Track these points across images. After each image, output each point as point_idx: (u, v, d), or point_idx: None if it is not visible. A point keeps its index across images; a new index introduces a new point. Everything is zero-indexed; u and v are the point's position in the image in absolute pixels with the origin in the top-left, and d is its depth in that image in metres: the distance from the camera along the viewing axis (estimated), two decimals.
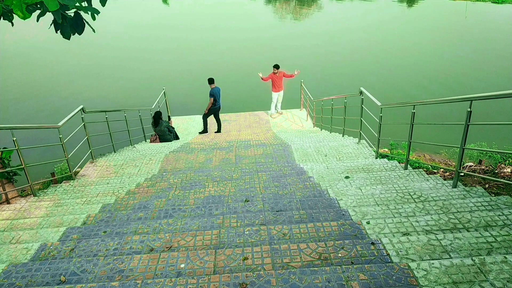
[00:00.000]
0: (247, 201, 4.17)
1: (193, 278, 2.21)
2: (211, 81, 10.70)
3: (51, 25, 5.21)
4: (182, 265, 2.53)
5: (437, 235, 2.71)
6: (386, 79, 15.47)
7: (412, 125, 5.13)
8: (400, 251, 2.56)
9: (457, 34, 20.78)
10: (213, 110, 11.02)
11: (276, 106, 12.39)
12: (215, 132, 11.32)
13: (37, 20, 4.96)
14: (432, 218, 3.14)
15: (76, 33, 5.34)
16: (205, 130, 11.36)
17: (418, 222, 3.08)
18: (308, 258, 2.53)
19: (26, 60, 19.67)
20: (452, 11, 26.14)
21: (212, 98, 10.72)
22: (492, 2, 27.98)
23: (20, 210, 4.52)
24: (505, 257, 2.26)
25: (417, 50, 19.09)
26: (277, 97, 12.09)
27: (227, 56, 19.66)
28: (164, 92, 12.61)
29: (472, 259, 2.25)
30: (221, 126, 11.43)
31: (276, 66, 11.51)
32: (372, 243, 2.66)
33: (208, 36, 22.75)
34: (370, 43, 20.67)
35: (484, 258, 2.26)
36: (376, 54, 18.79)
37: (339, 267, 2.26)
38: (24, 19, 4.43)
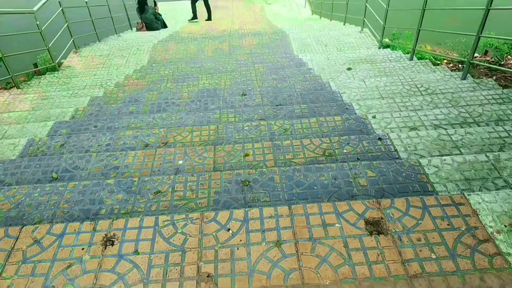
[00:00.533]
0: (244, 95, 3.93)
1: (193, 176, 2.09)
2: None
3: None
4: (180, 162, 2.40)
5: (447, 130, 2.57)
6: None
7: (424, 10, 4.66)
8: (408, 146, 2.43)
9: None
10: None
11: None
12: (206, 20, 10.49)
13: None
14: (441, 112, 2.97)
15: None
16: (194, 17, 10.50)
17: (426, 116, 2.92)
18: (311, 155, 2.40)
19: None
20: None
21: None
22: None
23: (4, 104, 4.27)
24: None
25: None
26: None
27: None
28: None
29: (485, 155, 2.14)
30: (211, 13, 10.52)
31: None
32: (379, 138, 2.52)
33: None
34: None
35: (498, 154, 2.14)
36: None
37: (345, 163, 2.14)
38: None
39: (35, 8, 5.44)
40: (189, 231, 1.61)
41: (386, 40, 6.91)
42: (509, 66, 4.92)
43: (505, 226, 1.56)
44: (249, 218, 1.65)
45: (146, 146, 2.74)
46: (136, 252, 1.53)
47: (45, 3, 5.76)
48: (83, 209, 1.93)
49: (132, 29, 9.79)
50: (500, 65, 4.94)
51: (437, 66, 4.68)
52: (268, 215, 1.65)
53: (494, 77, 4.33)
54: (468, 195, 1.70)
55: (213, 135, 2.81)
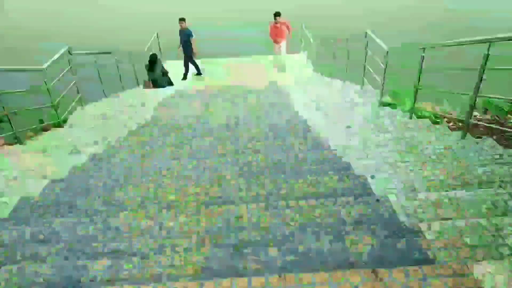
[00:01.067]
0: (244, 153, 3.93)
1: (179, 247, 2.01)
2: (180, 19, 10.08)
3: None
4: (171, 223, 2.32)
5: (447, 192, 2.50)
6: (392, 23, 14.73)
7: (421, 70, 4.78)
8: (407, 209, 2.36)
9: None
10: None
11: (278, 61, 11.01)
12: (195, 75, 10.95)
13: None
14: (441, 172, 2.92)
15: None
16: (199, 73, 10.93)
17: (426, 176, 2.87)
18: (308, 216, 2.33)
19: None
20: None
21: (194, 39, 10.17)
22: None
23: (3, 161, 4.29)
24: None
25: None
26: (278, 47, 10.66)
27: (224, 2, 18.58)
28: (157, 35, 11.95)
29: (488, 220, 2.05)
30: (199, 68, 10.96)
31: (277, 14, 9.90)
32: (377, 200, 2.45)
33: None
34: None
35: (502, 218, 2.06)
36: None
37: (341, 224, 2.06)
38: None
39: (44, 66, 5.67)
40: None
41: (388, 98, 7.05)
42: (511, 125, 4.94)
43: None
44: None
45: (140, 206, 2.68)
46: None
47: (54, 60, 6.00)
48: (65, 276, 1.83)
49: (139, 86, 10.10)
50: (500, 124, 4.96)
51: (437, 125, 4.69)
52: (257, 285, 1.55)
53: (494, 136, 4.31)
54: (472, 265, 1.60)
55: (213, 192, 2.75)
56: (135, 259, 1.90)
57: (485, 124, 4.54)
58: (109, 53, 8.64)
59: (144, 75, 10.24)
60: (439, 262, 1.80)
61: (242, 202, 2.60)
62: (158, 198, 2.78)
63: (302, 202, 2.46)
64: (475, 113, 6.55)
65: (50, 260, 1.94)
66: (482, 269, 1.58)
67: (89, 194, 2.87)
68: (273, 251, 1.90)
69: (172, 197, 2.77)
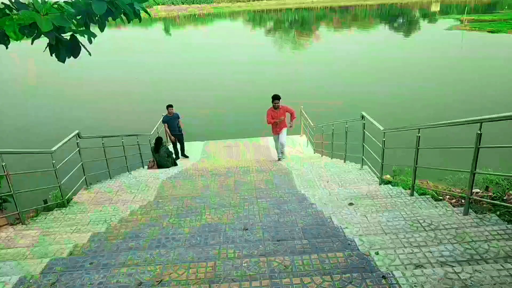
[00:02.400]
0: (246, 229, 3.92)
1: None
2: (168, 106, 10.89)
3: (46, 47, 5.12)
4: None
5: (454, 268, 2.46)
6: (387, 105, 15.45)
7: (418, 149, 4.94)
8: (415, 285, 2.30)
9: (454, 61, 20.98)
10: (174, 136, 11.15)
11: (278, 149, 9.72)
12: (182, 156, 11.57)
13: (32, 43, 4.85)
14: (446, 248, 2.89)
15: (71, 56, 5.23)
16: (177, 158, 11.47)
17: (431, 252, 2.83)
18: None
19: (24, 88, 19.75)
20: (448, 40, 26.51)
21: (165, 125, 10.96)
22: (488, 31, 28.45)
23: (5, 239, 4.26)
24: None
25: (416, 76, 19.19)
26: (277, 139, 9.38)
27: (226, 85, 19.76)
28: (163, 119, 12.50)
29: None
30: (184, 150, 11.66)
31: (276, 97, 8.72)
32: (383, 277, 2.40)
33: (206, 66, 22.95)
34: (369, 69, 20.82)
35: None
36: (375, 81, 18.88)
37: None
38: (17, 40, 4.31)
39: (53, 148, 5.89)
40: None
41: (388, 176, 7.15)
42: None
43: None
44: None
45: (140, 285, 2.62)
46: None
47: (64, 144, 6.24)
48: None
49: (144, 167, 10.30)
50: (502, 200, 4.97)
51: (439, 202, 4.71)
52: None
53: (498, 212, 4.30)
54: None
55: (210, 272, 2.71)
56: None
57: (487, 200, 4.56)
58: (117, 136, 9.00)
59: (149, 155, 10.53)
60: None
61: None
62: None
63: (307, 279, 2.41)
64: (476, 190, 6.59)
65: None
66: None
67: (88, 273, 2.82)
68: None
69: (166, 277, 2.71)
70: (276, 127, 9.19)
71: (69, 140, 6.45)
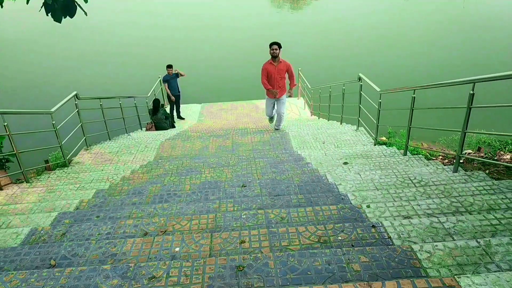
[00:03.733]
0: (244, 186, 4.08)
1: (188, 261, 2.12)
2: (168, 66, 10.94)
3: (41, 7, 5.04)
4: (177, 249, 2.44)
5: (439, 218, 2.64)
6: (385, 65, 15.36)
7: (412, 110, 5.04)
8: (401, 234, 2.48)
9: (455, 22, 20.61)
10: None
11: (272, 118, 8.21)
12: (178, 118, 11.68)
13: (27, 2, 4.78)
14: (433, 201, 3.06)
15: (67, 16, 5.17)
16: (178, 116, 11.74)
17: (419, 205, 3.01)
18: (307, 241, 2.45)
19: (22, 48, 19.36)
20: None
21: (166, 84, 11.08)
22: None
23: (12, 196, 4.42)
24: (511, 239, 2.18)
25: (415, 37, 18.93)
26: (273, 105, 7.75)
27: (224, 46, 19.43)
28: (160, 81, 12.44)
29: (477, 241, 2.18)
30: (179, 111, 11.82)
31: (277, 44, 6.93)
32: (373, 226, 2.58)
33: (205, 27, 22.43)
34: (368, 30, 20.47)
35: (489, 240, 2.19)
36: (374, 42, 18.63)
37: (339, 249, 2.18)
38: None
39: (53, 109, 5.94)
40: None
41: (383, 138, 7.30)
42: (502, 160, 5.11)
43: None
44: None
45: (145, 235, 2.79)
46: None
47: (62, 105, 6.28)
48: None
49: (142, 129, 10.39)
50: (493, 160, 5.14)
51: (430, 161, 4.87)
52: None
53: (487, 171, 4.47)
54: (458, 278, 1.72)
55: (211, 223, 2.88)
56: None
57: (476, 158, 4.72)
58: (114, 97, 9.01)
59: (146, 118, 10.60)
60: (430, 276, 1.91)
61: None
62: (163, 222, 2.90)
63: (302, 228, 2.58)
64: (469, 150, 6.77)
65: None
66: (468, 281, 1.70)
67: (96, 224, 2.99)
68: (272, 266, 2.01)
69: (177, 225, 2.88)
70: (274, 87, 7.27)
71: (67, 101, 6.48)
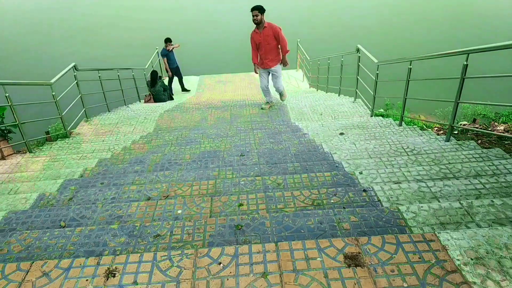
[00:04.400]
0: (243, 155, 4.21)
1: (190, 221, 2.28)
2: (166, 40, 10.73)
3: None
4: (179, 211, 2.59)
5: (427, 183, 2.78)
6: (383, 37, 15.24)
7: (408, 81, 5.11)
8: (391, 197, 2.63)
9: None
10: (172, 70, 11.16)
11: (268, 94, 7.47)
12: (182, 92, 11.67)
13: None
14: (423, 168, 3.20)
15: None
16: (183, 89, 11.73)
17: (409, 172, 3.15)
18: (301, 204, 2.60)
19: (18, 19, 19.05)
20: None
21: (165, 58, 10.87)
22: None
23: (17, 165, 4.55)
24: (492, 201, 2.34)
25: (413, 10, 18.66)
26: (267, 78, 7.17)
27: (222, 18, 19.13)
28: (158, 52, 12.36)
29: (460, 203, 2.33)
30: (183, 84, 11.72)
31: (255, 8, 6.24)
32: (364, 190, 2.73)
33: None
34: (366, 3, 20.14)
35: (471, 201, 2.33)
36: (372, 13, 18.37)
37: (331, 210, 2.33)
38: None
39: (52, 81, 5.99)
40: (184, 265, 1.77)
41: (381, 110, 7.38)
42: (496, 131, 5.24)
43: (471, 259, 1.71)
44: (239, 253, 1.81)
45: (149, 199, 2.94)
46: (135, 282, 1.68)
47: (62, 76, 6.32)
48: (88, 250, 2.09)
49: (140, 101, 10.44)
50: (487, 130, 5.26)
51: (424, 131, 4.99)
52: (256, 251, 1.82)
53: (480, 141, 4.60)
54: (438, 233, 1.88)
55: (211, 189, 3.03)
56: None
57: (469, 128, 4.85)
58: (112, 69, 9.02)
59: (144, 90, 10.62)
60: (413, 233, 2.07)
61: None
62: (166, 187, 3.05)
63: (297, 192, 2.73)
64: (464, 122, 6.88)
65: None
66: (447, 236, 1.85)
67: (100, 190, 3.13)
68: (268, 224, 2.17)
69: (179, 191, 3.03)
70: (265, 59, 6.68)
71: (66, 72, 6.51)
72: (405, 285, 1.60)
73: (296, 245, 1.84)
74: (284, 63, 6.92)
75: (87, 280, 1.71)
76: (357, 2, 20.02)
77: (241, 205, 2.63)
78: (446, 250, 1.77)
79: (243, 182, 3.12)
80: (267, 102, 7.59)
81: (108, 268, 1.76)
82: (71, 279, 1.72)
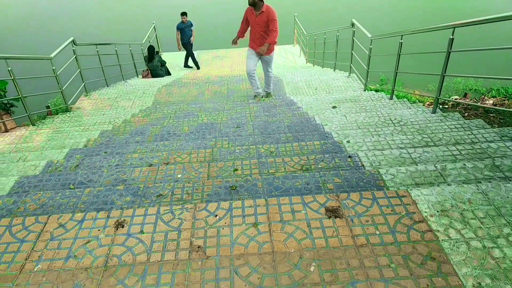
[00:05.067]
0: (238, 127, 4.41)
1: (189, 183, 2.50)
2: (182, 14, 10.59)
3: None
4: (179, 175, 2.82)
5: (408, 150, 3.01)
6: (378, 13, 15.19)
7: (399, 55, 5.27)
8: (373, 162, 2.86)
9: None
10: (184, 45, 10.98)
11: (253, 79, 6.16)
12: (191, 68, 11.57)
13: None
14: (407, 137, 3.42)
15: None
16: (185, 65, 11.46)
17: (394, 140, 3.37)
18: (291, 169, 2.83)
19: None
20: None
21: (178, 32, 10.70)
22: None
23: (22, 137, 4.75)
24: (464, 164, 2.56)
25: None
26: (256, 61, 5.97)
27: None
28: (154, 27, 12.34)
29: (435, 166, 2.56)
30: (198, 62, 11.46)
31: None
32: (349, 156, 2.95)
33: None
34: None
35: (445, 165, 2.56)
36: None
37: (317, 173, 2.56)
38: None
39: (52, 55, 6.10)
40: (184, 217, 2.00)
41: (376, 86, 7.55)
42: (485, 105, 5.44)
43: (437, 211, 1.95)
44: (233, 207, 2.05)
45: (150, 165, 3.16)
46: (141, 231, 1.92)
47: (61, 50, 6.43)
48: (97, 208, 2.32)
49: (138, 76, 10.53)
50: (475, 103, 5.46)
51: (413, 104, 5.19)
52: (248, 205, 2.05)
53: (466, 114, 4.81)
54: (410, 190, 2.11)
55: (209, 157, 3.25)
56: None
57: (453, 100, 5.04)
58: (110, 44, 9.08)
59: (142, 65, 10.69)
60: (388, 190, 2.30)
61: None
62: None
63: (287, 159, 2.96)
64: (455, 96, 7.07)
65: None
66: (418, 192, 2.08)
67: (105, 158, 3.35)
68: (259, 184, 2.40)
69: (181, 157, 3.25)
70: (254, 42, 5.80)
71: (65, 47, 6.61)
72: (377, 232, 1.84)
73: (284, 200, 2.07)
74: (260, 51, 5.62)
75: (98, 230, 1.95)
76: None
77: (236, 170, 2.86)
78: (416, 204, 2.00)
79: (238, 151, 3.34)
80: (255, 95, 6.43)
81: (117, 220, 1.99)
82: (85, 229, 1.96)
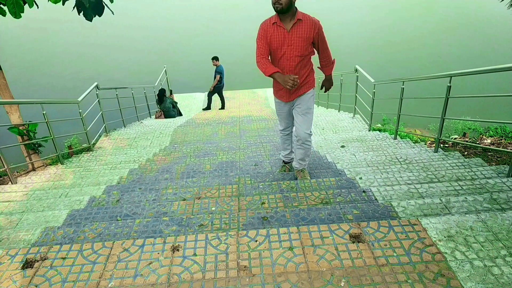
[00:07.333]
0: (256, 165, 4.81)
1: (225, 214, 2.86)
2: (216, 58, 11.09)
3: (74, 8, 5.70)
4: (213, 208, 3.18)
5: (415, 185, 3.38)
6: (379, 60, 16.01)
7: (401, 99, 5.76)
8: (385, 196, 3.23)
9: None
10: (218, 88, 11.46)
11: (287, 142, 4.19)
12: (219, 109, 11.83)
13: (63, 4, 5.45)
14: (413, 174, 3.80)
15: (96, 15, 5.86)
16: (208, 107, 11.90)
17: (401, 177, 3.75)
18: (312, 202, 3.19)
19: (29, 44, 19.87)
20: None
21: (219, 76, 11.15)
22: None
23: (55, 175, 5.13)
24: (466, 198, 2.93)
25: (407, 34, 19.53)
26: (287, 112, 3.79)
27: (223, 36, 19.97)
28: (165, 70, 13.06)
29: (440, 199, 2.93)
30: (225, 103, 11.91)
31: None
32: (364, 191, 3.32)
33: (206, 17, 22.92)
34: (365, 23, 21.04)
35: (449, 198, 2.93)
36: (370, 35, 19.23)
37: (337, 205, 2.92)
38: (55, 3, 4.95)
39: (79, 99, 6.62)
40: (229, 242, 2.35)
41: (379, 125, 8.03)
42: (483, 144, 5.86)
43: (445, 237, 2.30)
44: (270, 234, 2.40)
45: (184, 200, 3.53)
46: (194, 254, 2.26)
47: (87, 94, 6.97)
48: (148, 236, 2.67)
49: (151, 117, 11.07)
50: (474, 143, 5.88)
51: (417, 144, 5.61)
52: (282, 232, 2.41)
53: (466, 152, 5.21)
54: (420, 219, 2.47)
55: (235, 192, 3.62)
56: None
57: (454, 141, 5.46)
58: (127, 87, 9.70)
59: (154, 106, 11.27)
60: (401, 219, 2.66)
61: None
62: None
63: (308, 193, 3.33)
64: (455, 136, 7.52)
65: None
66: (427, 221, 2.44)
67: (142, 193, 3.72)
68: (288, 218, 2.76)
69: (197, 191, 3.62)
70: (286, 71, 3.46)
71: (91, 91, 7.16)
72: (395, 254, 2.18)
73: (313, 228, 2.43)
74: (327, 86, 3.99)
75: (158, 253, 2.29)
76: (353, 21, 20.94)
77: (263, 203, 3.22)
78: (426, 231, 2.36)
79: (261, 186, 3.71)
80: (284, 164, 4.40)
81: (173, 245, 2.34)
82: (146, 253, 2.30)
